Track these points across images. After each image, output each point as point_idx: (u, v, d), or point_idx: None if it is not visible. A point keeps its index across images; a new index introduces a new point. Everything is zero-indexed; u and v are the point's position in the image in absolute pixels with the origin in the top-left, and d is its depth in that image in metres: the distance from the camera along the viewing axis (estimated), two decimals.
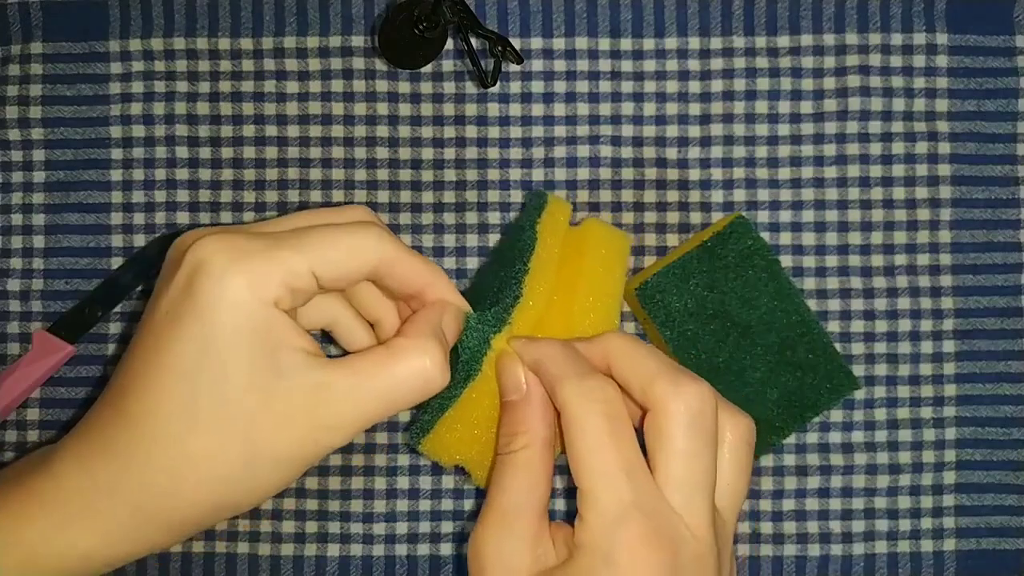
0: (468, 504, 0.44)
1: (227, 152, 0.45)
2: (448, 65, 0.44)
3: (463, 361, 0.36)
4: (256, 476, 0.31)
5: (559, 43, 0.44)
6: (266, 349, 0.30)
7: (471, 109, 0.44)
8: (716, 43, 0.44)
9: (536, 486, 0.32)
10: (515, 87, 0.44)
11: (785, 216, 0.44)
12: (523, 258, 0.37)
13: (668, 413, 0.30)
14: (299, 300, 0.31)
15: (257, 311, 0.30)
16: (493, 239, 0.44)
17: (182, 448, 0.30)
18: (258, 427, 0.30)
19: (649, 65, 0.44)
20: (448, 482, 0.44)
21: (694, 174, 0.44)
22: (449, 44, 0.44)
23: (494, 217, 0.44)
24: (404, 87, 0.44)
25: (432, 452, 0.37)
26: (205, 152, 0.45)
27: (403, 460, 0.44)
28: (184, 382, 0.30)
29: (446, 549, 0.44)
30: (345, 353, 0.37)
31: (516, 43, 0.44)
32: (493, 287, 0.38)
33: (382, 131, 0.44)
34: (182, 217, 0.44)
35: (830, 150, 0.44)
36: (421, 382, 0.31)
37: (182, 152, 0.45)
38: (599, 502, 0.29)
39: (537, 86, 0.44)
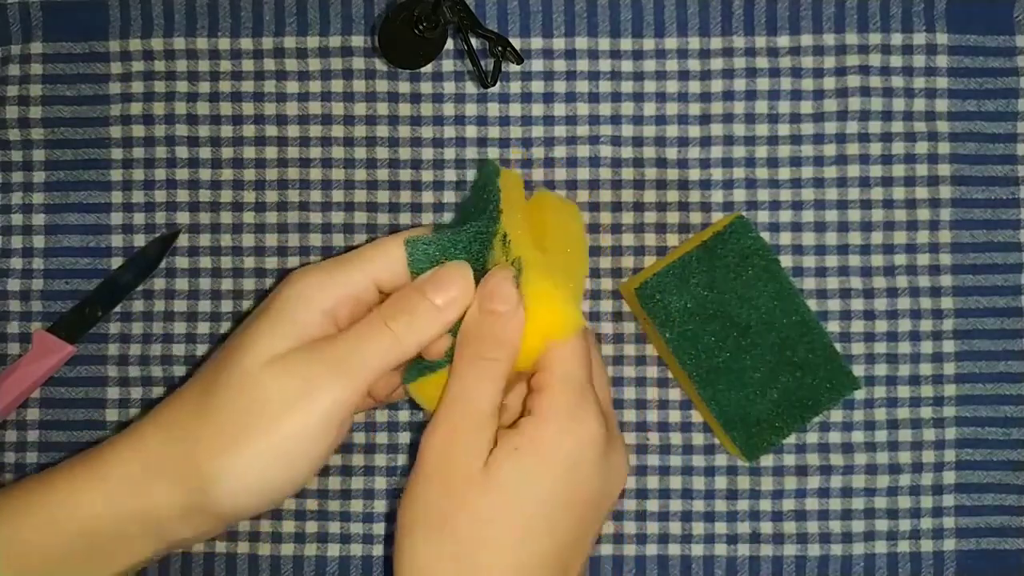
0: None
1: (227, 152, 0.45)
2: (448, 65, 0.44)
3: None
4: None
5: (559, 43, 0.44)
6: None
7: (471, 109, 0.44)
8: (716, 43, 0.44)
9: (501, 393, 0.34)
10: (515, 87, 0.44)
11: (785, 216, 0.44)
12: (493, 214, 0.36)
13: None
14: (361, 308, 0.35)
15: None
16: None
17: None
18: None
19: (649, 65, 0.44)
20: None
21: (694, 174, 0.44)
22: (449, 44, 0.44)
23: None
24: (404, 87, 0.44)
25: (419, 393, 0.37)
26: (205, 152, 0.45)
27: (403, 460, 0.44)
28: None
29: None
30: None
31: (516, 43, 0.44)
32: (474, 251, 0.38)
33: (382, 131, 0.44)
34: (182, 217, 0.44)
35: (830, 150, 0.44)
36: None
37: (182, 152, 0.45)
38: (571, 379, 0.34)
39: (537, 86, 0.44)
